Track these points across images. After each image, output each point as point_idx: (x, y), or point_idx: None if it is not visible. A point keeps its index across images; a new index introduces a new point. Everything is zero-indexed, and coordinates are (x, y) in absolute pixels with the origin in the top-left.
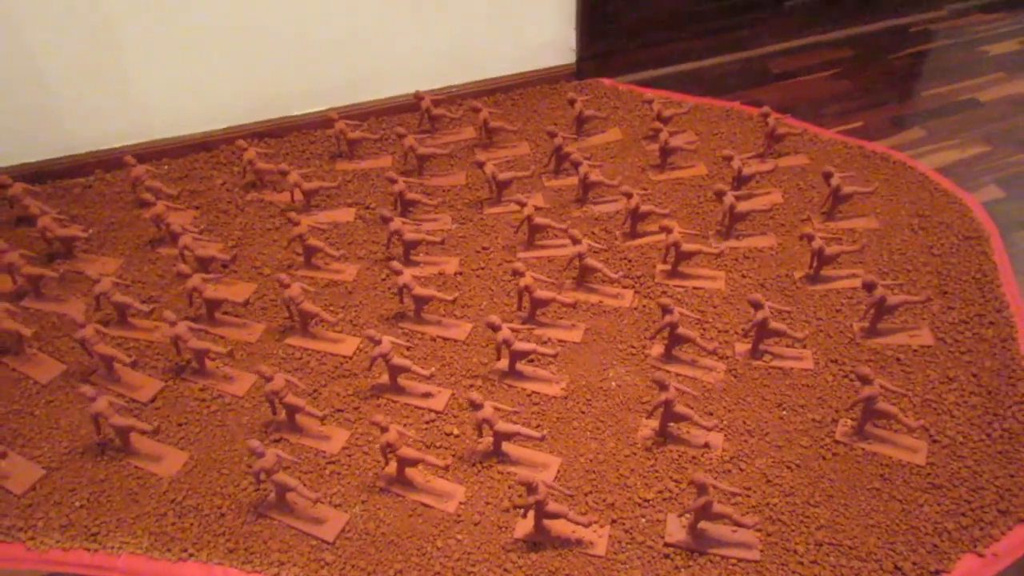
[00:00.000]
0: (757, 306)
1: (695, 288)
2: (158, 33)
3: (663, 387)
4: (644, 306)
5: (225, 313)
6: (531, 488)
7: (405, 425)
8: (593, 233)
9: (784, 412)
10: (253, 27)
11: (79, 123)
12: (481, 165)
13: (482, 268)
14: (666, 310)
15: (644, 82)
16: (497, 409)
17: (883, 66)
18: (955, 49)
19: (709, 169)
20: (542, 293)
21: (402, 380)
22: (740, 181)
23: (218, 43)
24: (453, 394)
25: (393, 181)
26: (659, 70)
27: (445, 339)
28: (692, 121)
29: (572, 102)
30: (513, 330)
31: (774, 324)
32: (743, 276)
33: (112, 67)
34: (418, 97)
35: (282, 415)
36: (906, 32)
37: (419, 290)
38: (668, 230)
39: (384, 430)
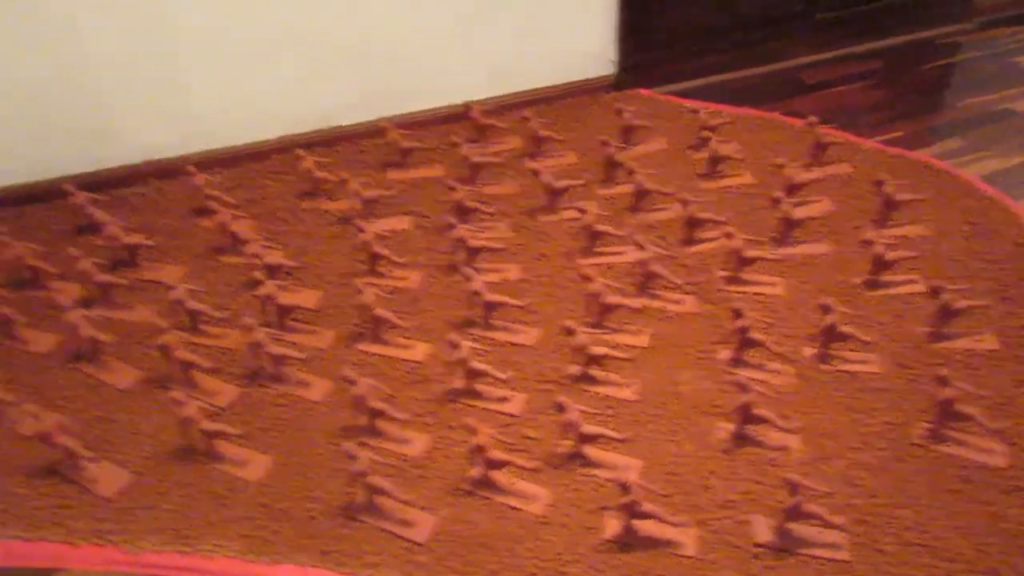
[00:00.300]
0: (827, 310)
1: (756, 294)
2: (213, 42)
3: (744, 389)
4: (707, 311)
5: (294, 320)
6: (626, 488)
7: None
8: (644, 238)
9: (857, 415)
10: (305, 38)
11: (134, 132)
12: (537, 174)
13: (543, 274)
14: (738, 314)
15: (682, 93)
16: (582, 412)
17: (915, 77)
18: (985, 61)
19: (756, 177)
20: (611, 298)
21: (477, 384)
22: (792, 188)
23: (270, 53)
24: (528, 398)
25: (453, 189)
26: (696, 81)
27: (514, 344)
28: (734, 131)
29: (620, 112)
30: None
31: (843, 328)
32: (802, 282)
33: (168, 76)
34: (468, 108)
35: (364, 419)
36: (935, 44)
37: (491, 296)
38: (730, 236)
39: (474, 432)
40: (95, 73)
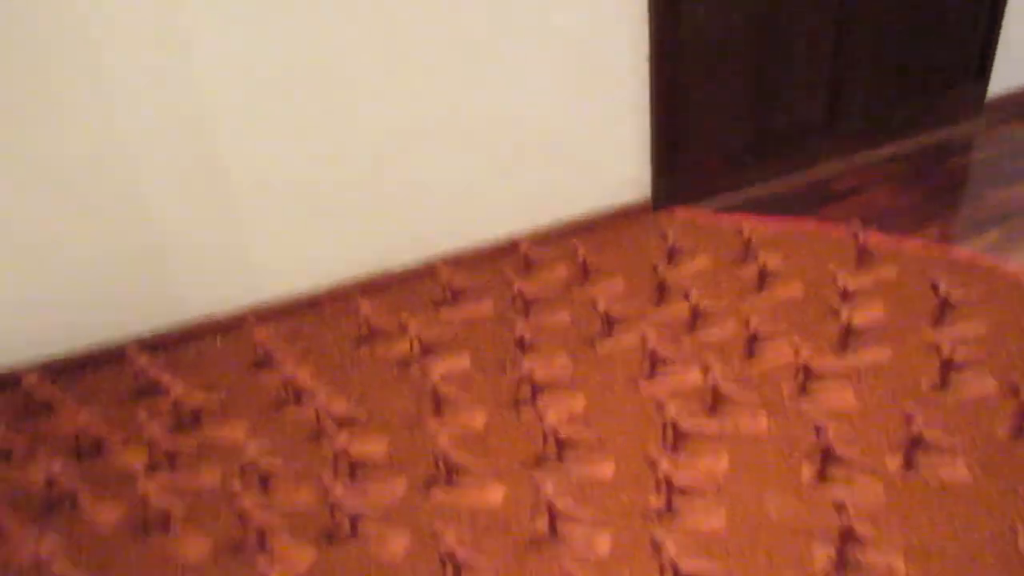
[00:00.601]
0: (910, 418)
1: (827, 406)
2: (269, 198)
3: (842, 510)
4: (782, 428)
5: (364, 470)
6: None
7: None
8: (706, 358)
9: (957, 527)
10: (352, 185)
11: (191, 290)
12: (594, 302)
13: (609, 404)
14: (820, 430)
15: (716, 209)
16: (680, 547)
17: (940, 176)
18: (1003, 157)
19: (805, 287)
20: (687, 424)
21: (561, 525)
22: (845, 296)
23: (321, 202)
24: (615, 536)
25: (513, 324)
26: (728, 196)
27: (591, 480)
28: (776, 242)
29: (664, 234)
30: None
31: (929, 434)
32: (871, 390)
33: (225, 233)
34: (514, 242)
35: (451, 574)
36: (950, 144)
37: (565, 431)
38: (797, 350)
39: None
40: (154, 237)
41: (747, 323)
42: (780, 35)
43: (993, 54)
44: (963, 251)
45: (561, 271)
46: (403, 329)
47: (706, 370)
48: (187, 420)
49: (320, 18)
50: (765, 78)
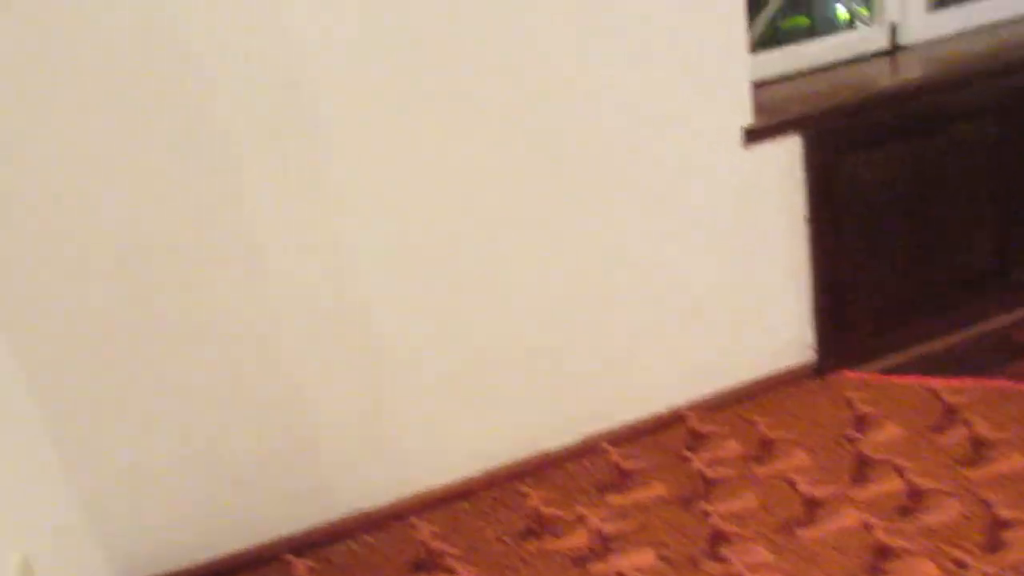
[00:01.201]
0: None
1: None
2: (416, 377)
3: None
4: None
5: None
6: None
7: None
8: (943, 549)
9: None
10: (500, 359)
11: (339, 482)
12: (793, 484)
13: None
14: None
15: (889, 369)
16: None
17: None
18: None
19: None
20: None
21: None
22: None
23: (471, 380)
24: None
25: (707, 516)
26: (898, 356)
27: None
28: (977, 406)
29: (848, 401)
30: None
31: None
32: None
33: (376, 420)
34: (679, 414)
35: None
36: None
37: None
38: None
39: None
40: (302, 429)
41: (986, 504)
42: (940, 181)
43: None
44: None
45: (733, 446)
46: (580, 520)
47: (957, 566)
48: None
49: (469, 191)
50: (928, 227)
